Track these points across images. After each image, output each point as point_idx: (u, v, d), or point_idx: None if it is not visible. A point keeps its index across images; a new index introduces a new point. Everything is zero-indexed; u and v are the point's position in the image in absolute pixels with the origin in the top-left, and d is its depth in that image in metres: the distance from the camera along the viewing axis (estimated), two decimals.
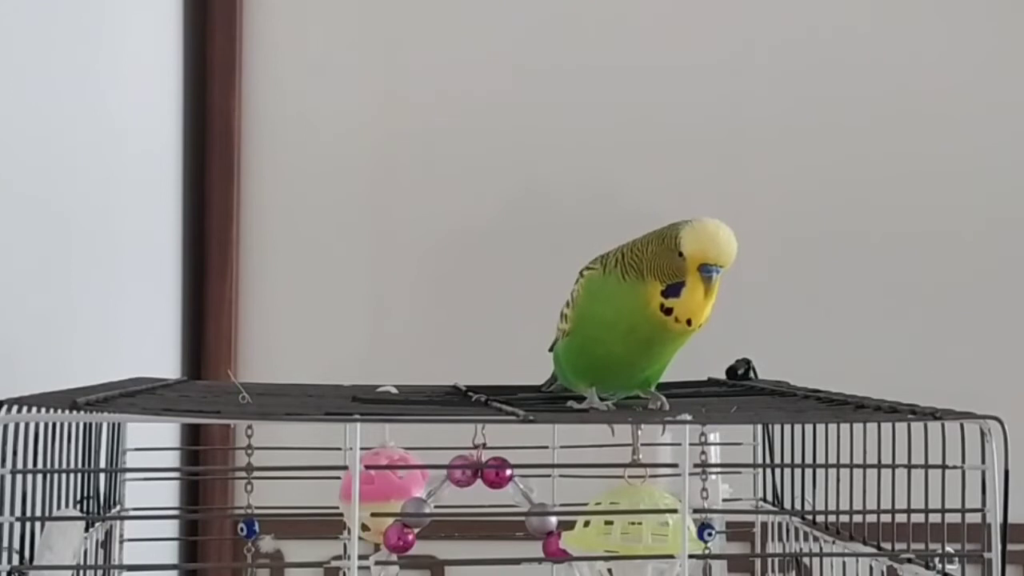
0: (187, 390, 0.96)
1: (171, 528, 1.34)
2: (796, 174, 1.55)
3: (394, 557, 0.83)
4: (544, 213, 1.54)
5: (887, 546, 0.83)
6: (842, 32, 1.56)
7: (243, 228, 1.53)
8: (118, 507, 0.97)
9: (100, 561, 0.90)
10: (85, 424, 0.86)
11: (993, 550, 0.73)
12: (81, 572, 0.78)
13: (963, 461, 0.75)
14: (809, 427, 0.92)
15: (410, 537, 0.80)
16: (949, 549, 0.77)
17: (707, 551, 0.78)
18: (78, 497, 0.86)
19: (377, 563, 0.85)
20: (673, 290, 0.79)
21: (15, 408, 0.71)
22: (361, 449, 0.70)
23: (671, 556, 0.76)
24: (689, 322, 0.79)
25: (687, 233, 0.79)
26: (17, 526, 0.71)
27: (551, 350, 0.91)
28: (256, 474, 0.80)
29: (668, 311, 0.79)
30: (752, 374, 1.06)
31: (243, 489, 0.82)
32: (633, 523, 0.80)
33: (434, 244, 1.55)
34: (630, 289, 0.80)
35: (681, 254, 0.79)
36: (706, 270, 0.78)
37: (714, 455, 0.91)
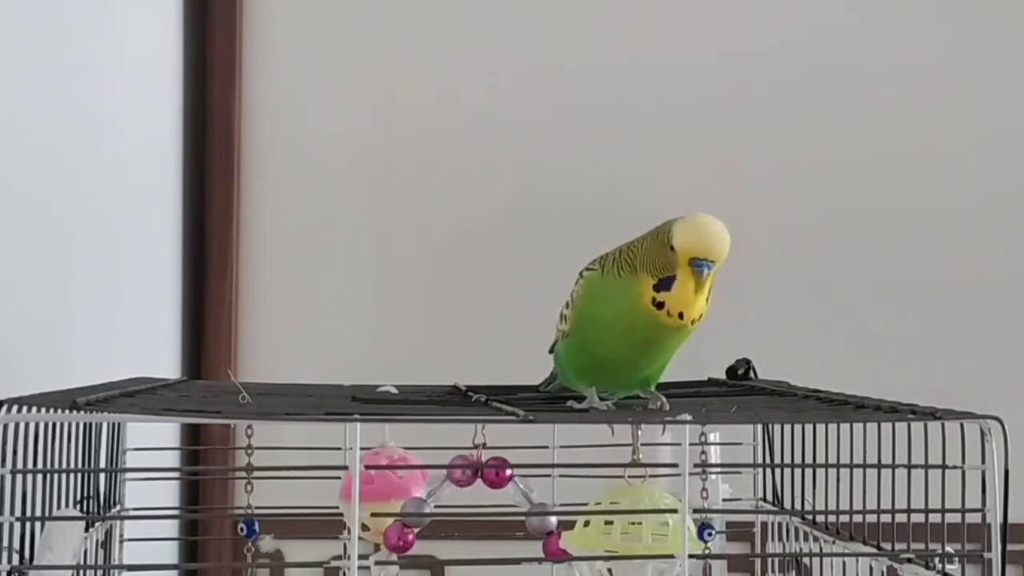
0: (187, 390, 0.96)
1: (171, 528, 1.34)
2: (796, 174, 1.54)
3: (394, 557, 0.83)
4: (544, 213, 1.54)
5: (887, 546, 0.83)
6: (842, 32, 1.56)
7: (243, 228, 1.53)
8: (118, 507, 0.97)
9: (100, 561, 0.90)
10: (85, 424, 0.86)
11: (993, 550, 0.73)
12: (81, 572, 0.78)
13: (963, 461, 0.75)
14: (809, 427, 0.92)
15: (410, 537, 0.80)
16: (949, 549, 0.77)
17: (707, 551, 0.78)
18: (78, 497, 0.86)
19: (377, 563, 0.85)
20: (664, 284, 0.79)
21: (15, 408, 0.71)
22: (361, 449, 0.70)
23: (671, 556, 0.76)
24: (681, 315, 0.79)
25: (679, 227, 0.79)
26: (17, 526, 0.71)
27: (551, 351, 0.91)
28: (256, 474, 0.80)
29: (660, 305, 0.79)
30: (752, 374, 1.06)
31: (243, 489, 0.82)
32: (633, 523, 0.80)
33: (434, 244, 1.55)
34: (624, 285, 0.80)
35: (672, 248, 0.79)
36: (696, 264, 0.78)
37: (714, 455, 0.91)
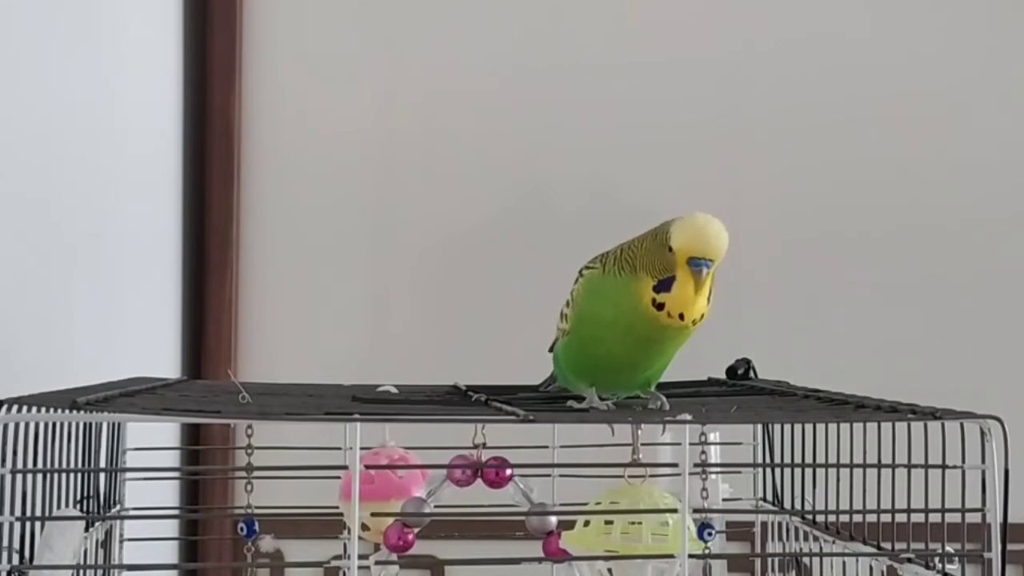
0: (187, 390, 0.96)
1: (171, 528, 1.34)
2: (796, 173, 1.54)
3: (394, 557, 0.83)
4: (544, 213, 1.54)
5: (887, 546, 0.83)
6: (842, 31, 1.56)
7: (243, 228, 1.53)
8: (118, 507, 0.97)
9: (100, 561, 0.90)
10: (85, 424, 0.86)
11: (993, 550, 0.73)
12: (81, 572, 0.78)
13: (963, 461, 0.75)
14: (809, 427, 0.92)
15: (410, 537, 0.80)
16: (949, 549, 0.77)
17: (707, 551, 0.78)
18: (78, 497, 0.86)
19: (377, 563, 0.85)
20: (664, 285, 0.79)
21: (15, 408, 0.71)
22: (361, 449, 0.70)
23: (671, 556, 0.76)
24: (682, 316, 0.79)
25: (676, 227, 0.79)
26: (17, 526, 0.71)
27: (551, 351, 0.91)
28: (256, 474, 0.80)
29: (660, 306, 0.79)
30: (752, 374, 1.06)
31: (243, 489, 0.82)
32: (633, 523, 0.80)
33: (434, 244, 1.55)
34: (624, 286, 0.80)
35: (671, 249, 0.79)
36: (695, 264, 0.78)
37: (714, 455, 0.91)
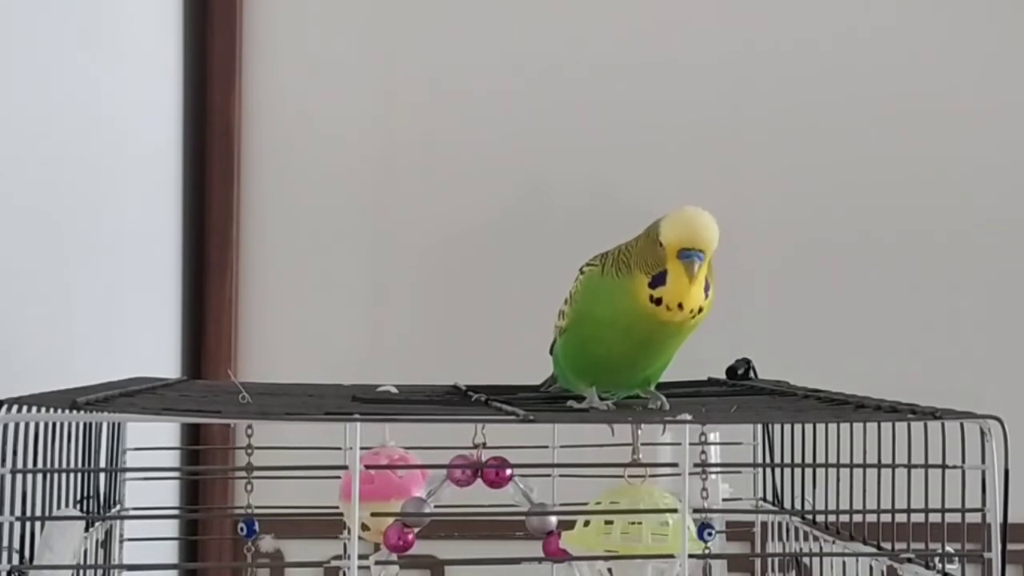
0: (187, 390, 0.96)
1: (171, 528, 1.34)
2: (797, 174, 1.54)
3: (394, 557, 0.83)
4: (544, 213, 1.54)
5: (887, 546, 0.83)
6: (843, 32, 1.56)
7: (243, 228, 1.53)
8: (118, 507, 0.97)
9: (100, 561, 0.90)
10: (85, 424, 0.86)
11: (993, 550, 0.73)
12: (81, 572, 0.78)
13: (963, 461, 0.75)
14: (809, 427, 0.92)
15: (410, 537, 0.80)
16: (949, 549, 0.77)
17: (707, 551, 0.78)
18: (78, 497, 0.86)
19: (377, 563, 0.85)
20: (658, 280, 0.79)
21: (15, 408, 0.71)
22: (361, 449, 0.70)
23: (671, 556, 0.76)
24: (681, 306, 0.79)
25: (665, 221, 0.79)
26: (17, 526, 0.71)
27: (551, 352, 0.91)
28: (256, 474, 0.80)
29: (658, 301, 0.79)
30: (752, 374, 1.06)
31: (243, 489, 0.82)
32: (633, 523, 0.80)
33: (434, 244, 1.54)
34: (621, 285, 0.81)
35: (661, 243, 0.79)
36: (686, 255, 0.78)
37: (714, 455, 0.91)
